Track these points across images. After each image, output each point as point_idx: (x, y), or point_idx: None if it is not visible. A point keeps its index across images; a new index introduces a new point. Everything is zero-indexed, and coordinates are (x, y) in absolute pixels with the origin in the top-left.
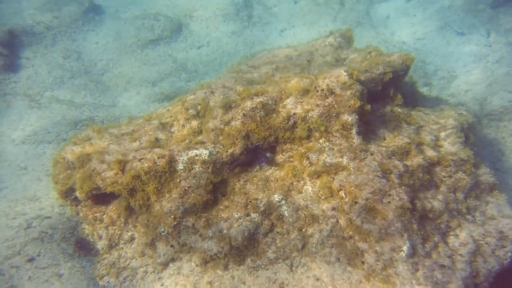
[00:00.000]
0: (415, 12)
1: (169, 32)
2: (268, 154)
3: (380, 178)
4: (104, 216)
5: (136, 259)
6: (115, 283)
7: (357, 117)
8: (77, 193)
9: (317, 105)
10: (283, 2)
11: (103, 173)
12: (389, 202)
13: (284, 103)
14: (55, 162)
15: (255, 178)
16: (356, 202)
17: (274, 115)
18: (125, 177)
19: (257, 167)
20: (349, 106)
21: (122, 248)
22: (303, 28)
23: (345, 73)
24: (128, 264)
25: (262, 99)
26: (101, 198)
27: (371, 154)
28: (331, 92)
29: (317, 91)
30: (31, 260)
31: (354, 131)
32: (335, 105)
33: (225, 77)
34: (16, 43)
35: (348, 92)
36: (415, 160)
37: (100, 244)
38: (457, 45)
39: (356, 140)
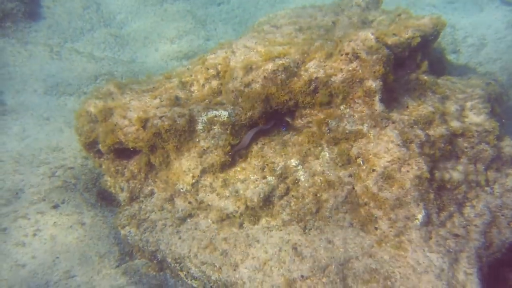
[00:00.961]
0: None
1: None
2: (287, 119)
3: (400, 147)
4: (126, 170)
5: (155, 213)
6: (135, 233)
7: (381, 83)
8: (100, 147)
9: (341, 70)
10: None
11: (125, 129)
12: (408, 171)
13: (306, 66)
14: (78, 115)
15: (272, 142)
16: (373, 170)
17: (295, 78)
18: (146, 133)
19: (275, 131)
20: (374, 72)
21: (142, 201)
22: None
23: (372, 36)
24: (148, 217)
25: (284, 62)
26: (122, 152)
27: (393, 123)
28: (356, 56)
29: (341, 54)
30: (55, 207)
31: (377, 98)
32: (360, 70)
33: (247, 37)
34: None
35: (374, 57)
36: (438, 130)
37: (122, 196)
38: (490, 10)
39: (379, 107)
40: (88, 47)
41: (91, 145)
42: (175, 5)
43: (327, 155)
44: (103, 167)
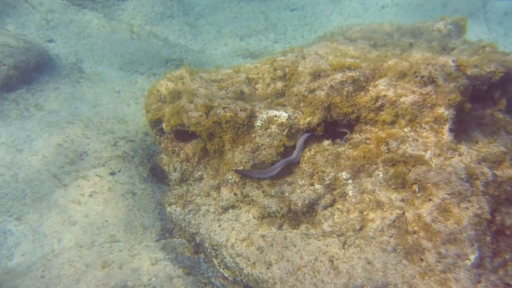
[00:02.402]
0: None
1: None
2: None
3: (464, 181)
4: (181, 151)
5: (201, 197)
6: (180, 212)
7: (454, 112)
8: (164, 125)
9: (413, 92)
10: None
11: (190, 113)
12: (467, 208)
13: (376, 82)
14: (150, 93)
15: (326, 151)
16: (430, 200)
17: (362, 93)
18: (208, 121)
19: (329, 140)
20: (449, 100)
21: (191, 184)
22: (407, 8)
23: (452, 63)
24: (194, 200)
25: (353, 74)
26: (182, 134)
27: (459, 155)
28: (432, 80)
29: (416, 76)
30: (112, 174)
31: (447, 126)
32: (433, 96)
33: (319, 45)
34: None
35: (452, 85)
36: (507, 172)
37: (173, 176)
38: None
39: (447, 137)
40: (165, 32)
41: (155, 123)
42: (251, 5)
43: (381, 175)
44: (162, 145)
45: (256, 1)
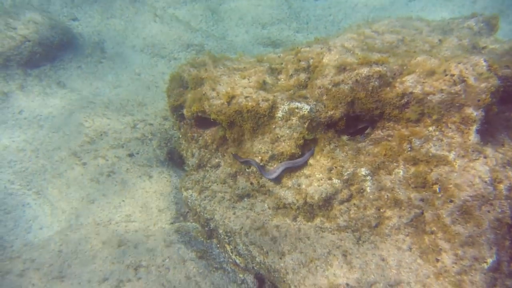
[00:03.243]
0: None
1: None
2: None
3: (487, 184)
4: (200, 138)
5: (217, 184)
6: (196, 198)
7: (483, 114)
8: (185, 111)
9: (441, 90)
10: None
11: (212, 100)
12: (488, 212)
13: (403, 79)
14: (172, 78)
15: (346, 146)
16: (451, 201)
17: (388, 88)
18: (229, 109)
19: (350, 135)
20: (479, 101)
21: (208, 170)
22: (435, 3)
23: (485, 63)
24: (210, 186)
25: (380, 69)
26: (202, 121)
27: (484, 157)
28: (462, 80)
29: (446, 75)
30: (131, 155)
31: (474, 128)
32: (462, 95)
33: (345, 37)
34: None
35: (483, 85)
36: None
37: (191, 161)
38: None
39: (474, 138)
40: (187, 16)
41: (176, 108)
42: None
43: (401, 173)
44: (181, 130)
45: None
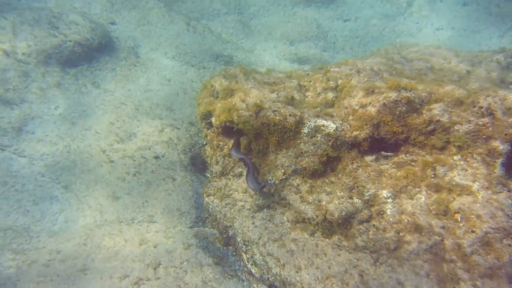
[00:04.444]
0: None
1: None
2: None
3: (509, 218)
4: (226, 146)
5: (238, 193)
6: (217, 204)
7: (509, 148)
8: (213, 120)
9: (468, 121)
10: (451, 0)
11: (241, 111)
12: (509, 245)
13: (431, 106)
14: (204, 87)
15: (368, 167)
16: (473, 231)
17: (415, 114)
18: (257, 121)
19: (374, 157)
20: (506, 135)
21: (230, 179)
22: (462, 33)
23: None
24: (231, 194)
25: (409, 95)
26: (228, 130)
27: (508, 191)
28: (490, 112)
29: (474, 106)
30: (156, 157)
31: (500, 161)
32: (490, 128)
33: (374, 60)
34: None
35: (510, 120)
36: None
37: (215, 169)
38: None
39: (499, 171)
40: (219, 28)
41: (205, 116)
42: (305, 11)
43: (423, 198)
44: (208, 137)
45: (311, 8)
